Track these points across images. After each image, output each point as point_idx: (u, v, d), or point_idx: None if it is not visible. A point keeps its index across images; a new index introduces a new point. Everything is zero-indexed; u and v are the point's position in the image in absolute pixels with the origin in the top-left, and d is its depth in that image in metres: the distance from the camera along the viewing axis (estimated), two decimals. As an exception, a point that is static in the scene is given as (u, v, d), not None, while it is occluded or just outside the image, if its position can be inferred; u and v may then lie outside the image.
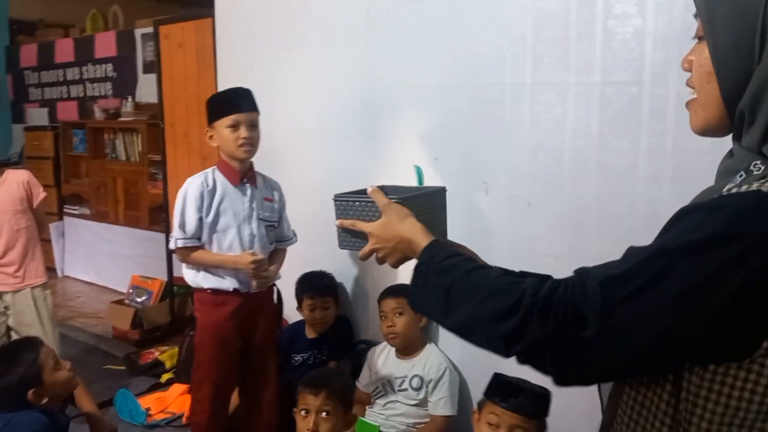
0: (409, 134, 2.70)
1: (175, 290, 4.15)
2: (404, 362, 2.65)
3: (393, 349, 2.70)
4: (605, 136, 2.16)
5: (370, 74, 2.83)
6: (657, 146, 2.04)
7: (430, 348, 2.66)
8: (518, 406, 1.96)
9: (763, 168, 0.80)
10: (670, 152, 2.02)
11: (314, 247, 3.11)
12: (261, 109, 3.20)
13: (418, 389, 2.57)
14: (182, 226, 2.40)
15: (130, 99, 5.15)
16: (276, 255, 2.61)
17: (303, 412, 2.17)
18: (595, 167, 2.18)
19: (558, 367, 0.82)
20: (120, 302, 4.27)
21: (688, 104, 0.92)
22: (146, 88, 5.06)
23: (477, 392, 2.62)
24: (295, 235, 2.71)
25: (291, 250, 2.82)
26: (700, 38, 0.88)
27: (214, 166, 2.49)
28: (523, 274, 0.92)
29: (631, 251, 0.83)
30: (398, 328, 2.60)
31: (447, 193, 1.43)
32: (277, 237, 2.61)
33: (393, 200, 1.19)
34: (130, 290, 4.29)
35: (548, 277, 0.87)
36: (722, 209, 0.77)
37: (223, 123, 2.38)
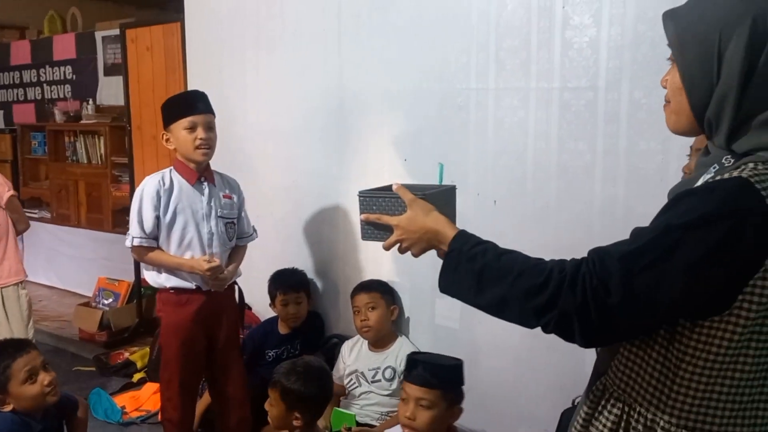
0: (379, 136, 2.82)
1: (142, 292, 4.17)
2: (377, 354, 2.76)
3: (365, 342, 2.81)
4: (564, 138, 2.31)
5: (341, 78, 2.93)
6: (612, 147, 2.21)
7: (401, 340, 2.78)
8: (417, 377, 2.06)
9: (733, 160, 0.98)
10: (624, 153, 2.19)
11: (287, 246, 3.22)
12: (232, 111, 3.29)
13: (391, 380, 2.69)
14: (140, 224, 2.42)
15: (90, 101, 5.12)
16: (236, 252, 2.66)
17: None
18: (555, 167, 2.34)
19: (585, 331, 0.97)
20: (86, 305, 4.27)
21: (664, 108, 1.09)
22: (108, 91, 5.05)
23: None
24: (255, 231, 2.75)
25: (264, 249, 2.91)
26: (673, 62, 1.05)
27: (171, 167, 2.51)
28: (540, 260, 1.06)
29: (639, 231, 0.99)
30: (371, 322, 2.71)
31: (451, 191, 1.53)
32: (237, 233, 2.65)
33: (418, 196, 1.30)
34: (97, 292, 4.29)
35: (562, 260, 1.02)
36: (714, 192, 0.93)
37: (180, 125, 2.41)
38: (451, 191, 1.50)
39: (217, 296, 2.54)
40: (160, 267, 2.49)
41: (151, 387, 3.33)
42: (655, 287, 0.93)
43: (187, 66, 3.58)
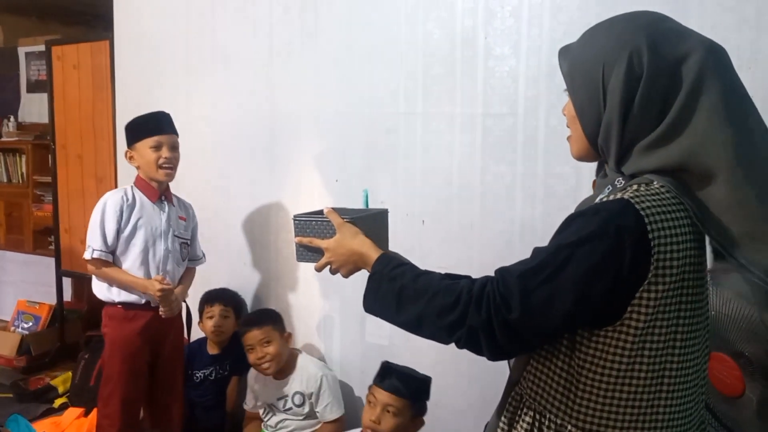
0: (311, 159, 2.88)
1: (65, 314, 4.05)
2: (282, 383, 2.72)
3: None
4: (487, 161, 2.43)
5: (272, 102, 2.98)
6: (530, 170, 2.34)
7: (303, 361, 2.75)
8: (389, 385, 2.17)
9: (623, 182, 1.08)
10: (541, 175, 2.32)
11: (217, 267, 3.20)
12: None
13: (302, 404, 2.67)
14: (102, 236, 2.46)
15: (12, 119, 4.97)
16: (186, 273, 2.72)
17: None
18: (478, 188, 2.45)
19: (490, 345, 1.05)
20: (4, 329, 4.11)
21: (568, 139, 1.20)
22: (31, 108, 4.91)
23: (362, 379, 2.79)
24: (204, 256, 2.83)
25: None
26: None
27: (132, 184, 2.58)
28: (458, 277, 1.15)
29: (537, 250, 1.08)
30: (270, 357, 2.64)
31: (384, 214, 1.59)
32: (189, 255, 2.72)
33: (346, 220, 1.36)
34: (16, 316, 4.14)
35: (474, 280, 1.10)
36: (598, 213, 1.02)
37: (146, 144, 2.50)
38: (382, 215, 1.57)
39: None
40: (113, 283, 2.50)
41: (73, 412, 3.22)
42: (549, 301, 1.01)
43: (116, 85, 3.55)
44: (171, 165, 2.53)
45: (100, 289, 2.54)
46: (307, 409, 2.68)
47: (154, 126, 2.52)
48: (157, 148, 2.50)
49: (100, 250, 2.46)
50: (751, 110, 1.04)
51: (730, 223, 1.00)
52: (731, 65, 1.06)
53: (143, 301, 2.51)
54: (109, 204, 2.48)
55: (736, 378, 1.56)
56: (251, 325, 2.70)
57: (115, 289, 2.51)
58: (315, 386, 2.67)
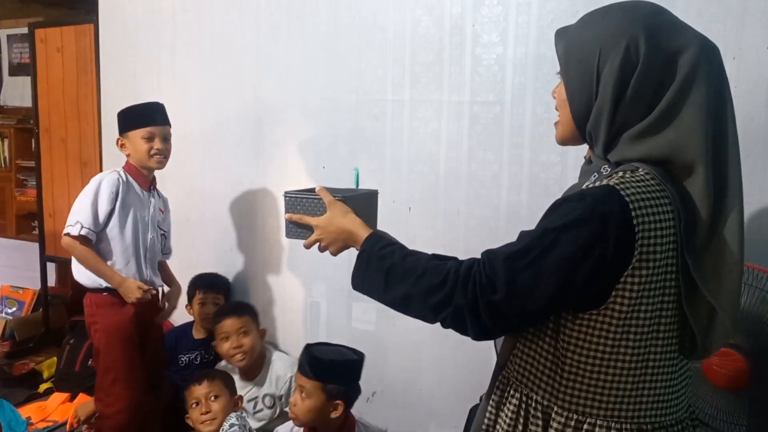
0: (297, 145, 2.87)
1: (49, 300, 4.02)
2: (251, 384, 2.68)
3: (236, 373, 2.68)
4: (473, 148, 2.45)
5: (258, 86, 2.97)
6: (516, 158, 2.36)
7: (273, 359, 2.72)
8: (300, 365, 2.16)
9: (609, 169, 1.10)
10: (527, 163, 2.34)
11: (202, 251, 3.20)
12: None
13: (272, 407, 2.65)
14: (94, 214, 2.39)
15: (-7, 102, 4.91)
16: (165, 269, 2.75)
17: (194, 404, 2.34)
18: (465, 176, 2.47)
19: (475, 325, 1.08)
20: (-13, 314, 4.08)
21: (555, 124, 1.21)
22: (13, 91, 4.85)
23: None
24: (171, 250, 2.84)
25: (178, 255, 2.90)
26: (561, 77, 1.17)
27: (122, 167, 2.56)
28: (446, 258, 1.16)
29: (523, 234, 1.10)
30: (246, 348, 2.62)
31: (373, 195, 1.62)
32: (164, 249, 2.74)
33: (337, 198, 1.38)
34: (-1, 301, 4.12)
35: (461, 261, 1.12)
36: (585, 198, 1.04)
37: (138, 134, 2.51)
38: (372, 195, 1.59)
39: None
40: (87, 266, 2.44)
41: (58, 397, 3.23)
42: (534, 284, 1.03)
43: (101, 69, 3.52)
44: (163, 155, 2.55)
45: (85, 276, 2.48)
46: (278, 410, 2.64)
47: (147, 116, 2.53)
48: (150, 139, 2.51)
49: (89, 228, 2.38)
50: (731, 112, 1.07)
51: (698, 216, 1.03)
52: (722, 64, 1.08)
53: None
54: (105, 183, 2.44)
55: (741, 371, 1.55)
56: (229, 313, 2.67)
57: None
58: (285, 388, 2.64)
